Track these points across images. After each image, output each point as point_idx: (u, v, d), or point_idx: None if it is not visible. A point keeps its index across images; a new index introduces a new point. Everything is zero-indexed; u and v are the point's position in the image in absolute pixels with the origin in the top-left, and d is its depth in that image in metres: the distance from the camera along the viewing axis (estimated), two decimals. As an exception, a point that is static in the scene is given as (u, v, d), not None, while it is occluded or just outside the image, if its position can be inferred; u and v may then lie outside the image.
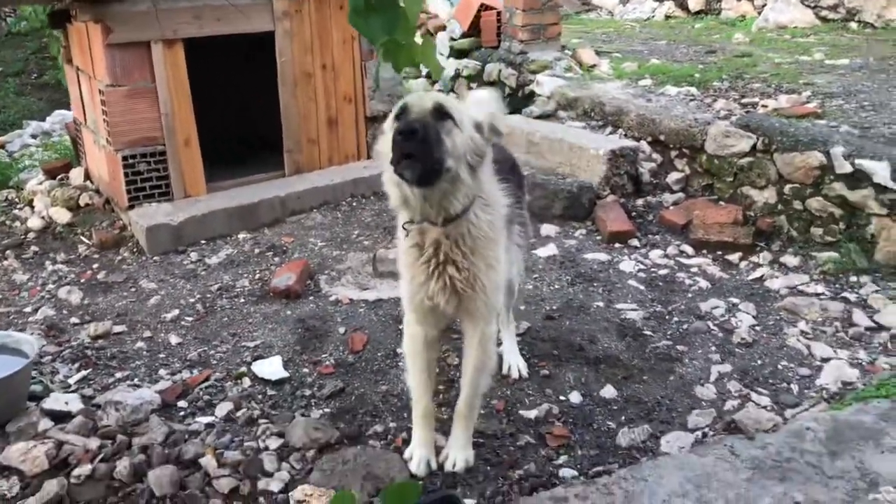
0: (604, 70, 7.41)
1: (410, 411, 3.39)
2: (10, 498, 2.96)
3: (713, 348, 3.99)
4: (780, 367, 3.81)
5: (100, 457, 3.12)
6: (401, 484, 2.82)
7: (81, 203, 5.97)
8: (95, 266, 5.18)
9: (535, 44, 7.40)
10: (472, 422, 3.15)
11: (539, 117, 6.67)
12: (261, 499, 2.95)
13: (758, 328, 4.18)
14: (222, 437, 3.28)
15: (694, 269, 4.89)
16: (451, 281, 2.79)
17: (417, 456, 3.08)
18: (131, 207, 5.46)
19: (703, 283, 4.69)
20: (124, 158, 5.38)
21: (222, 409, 3.50)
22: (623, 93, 6.60)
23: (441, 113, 2.55)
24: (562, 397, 3.60)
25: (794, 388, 3.64)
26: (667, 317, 4.33)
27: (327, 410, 3.51)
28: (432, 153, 2.46)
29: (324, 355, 3.98)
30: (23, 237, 5.66)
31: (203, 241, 5.43)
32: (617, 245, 5.24)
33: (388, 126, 2.62)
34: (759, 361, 3.87)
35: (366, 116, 6.20)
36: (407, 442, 3.18)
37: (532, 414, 3.45)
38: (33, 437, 3.26)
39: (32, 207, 6.03)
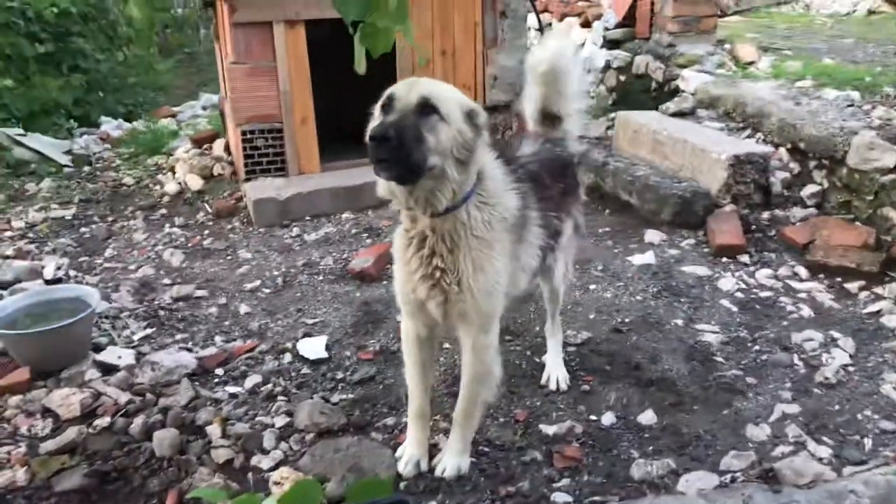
0: (762, 68, 6.77)
1: (432, 405, 3.33)
2: (41, 437, 3.22)
3: (788, 385, 3.54)
4: (859, 416, 3.30)
5: (122, 411, 3.32)
6: (370, 481, 2.77)
7: (214, 172, 6.36)
8: (206, 233, 5.51)
9: (686, 36, 6.91)
10: (470, 430, 3.01)
11: (675, 114, 6.22)
12: (249, 474, 3.00)
13: (850, 369, 3.65)
14: (238, 409, 3.37)
15: (802, 295, 4.35)
16: (435, 276, 2.67)
17: (407, 455, 2.99)
18: (247, 180, 5.75)
19: (807, 312, 4.17)
20: (243, 133, 5.67)
21: (251, 381, 3.59)
22: (772, 93, 6.00)
23: (426, 106, 2.43)
24: (592, 416, 3.34)
25: (867, 443, 3.13)
26: (748, 344, 3.89)
27: (350, 396, 3.50)
28: (408, 158, 2.36)
29: (371, 341, 3.97)
30: (158, 200, 6.12)
31: (308, 218, 5.61)
32: (724, 260, 4.78)
33: (377, 113, 2.53)
34: (837, 407, 3.37)
35: (485, 105, 6.09)
36: (410, 440, 3.10)
37: (552, 430, 3.23)
38: (79, 385, 3.53)
39: (174, 173, 6.51)
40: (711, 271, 4.65)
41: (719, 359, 3.77)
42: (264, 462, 3.03)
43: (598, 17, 8.23)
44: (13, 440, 3.22)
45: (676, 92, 6.77)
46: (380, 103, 2.51)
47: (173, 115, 8.97)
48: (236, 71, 5.52)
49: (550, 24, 9.40)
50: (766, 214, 5.18)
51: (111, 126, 8.34)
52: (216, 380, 3.64)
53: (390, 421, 3.30)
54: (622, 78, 7.71)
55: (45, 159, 6.81)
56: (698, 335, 3.98)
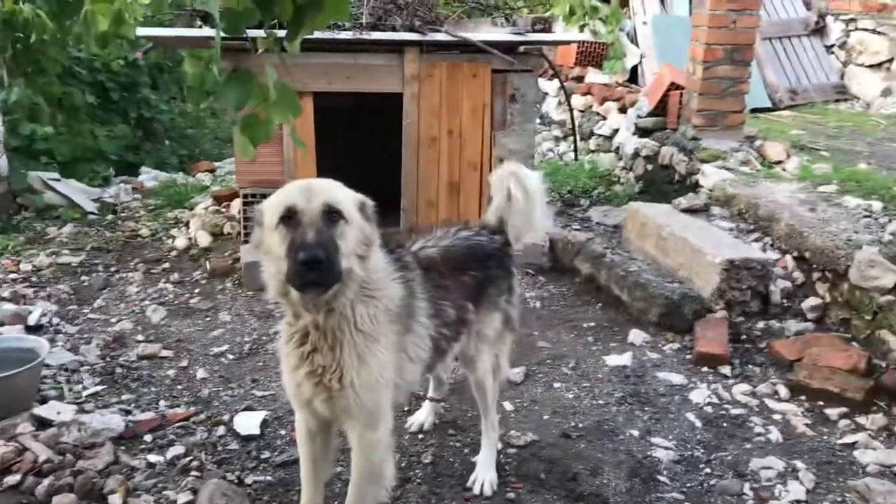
0: (789, 168, 6.53)
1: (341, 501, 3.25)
2: (-47, 489, 3.25)
3: (728, 517, 3.30)
4: (793, 562, 3.04)
5: (36, 470, 3.33)
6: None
7: (224, 231, 6.48)
8: (196, 291, 5.57)
9: (711, 131, 6.74)
10: None
11: (686, 210, 6.04)
12: (135, 551, 2.96)
13: (802, 506, 3.38)
14: (150, 480, 3.34)
15: (776, 416, 4.09)
16: (318, 374, 2.62)
17: (292, 551, 2.90)
18: (245, 242, 5.83)
19: (775, 436, 3.90)
20: (245, 196, 5.78)
21: (173, 451, 3.56)
22: (789, 197, 5.77)
23: (331, 213, 2.43)
24: (506, 528, 3.18)
25: None
26: (701, 465, 3.66)
27: (267, 478, 3.44)
28: (334, 271, 2.37)
29: (311, 421, 3.90)
30: (165, 254, 6.26)
31: (298, 285, 5.62)
32: (703, 369, 4.55)
33: (269, 223, 2.48)
34: (773, 548, 3.12)
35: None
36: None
37: (457, 538, 3.09)
38: (8, 438, 3.56)
39: (188, 228, 6.66)
40: (687, 380, 4.43)
41: (664, 478, 3.55)
42: (153, 540, 2.98)
43: (635, 103, 8.15)
44: (-73, 488, 3.26)
45: (697, 186, 6.60)
46: (278, 215, 2.44)
47: (212, 171, 9.22)
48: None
49: (591, 107, 9.37)
50: (761, 324, 4.93)
51: (148, 177, 8.63)
52: (142, 446, 3.63)
53: (297, 511, 3.21)
54: (649, 167, 7.58)
55: (73, 205, 7.09)
56: (650, 450, 3.77)
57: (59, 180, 7.38)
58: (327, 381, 2.61)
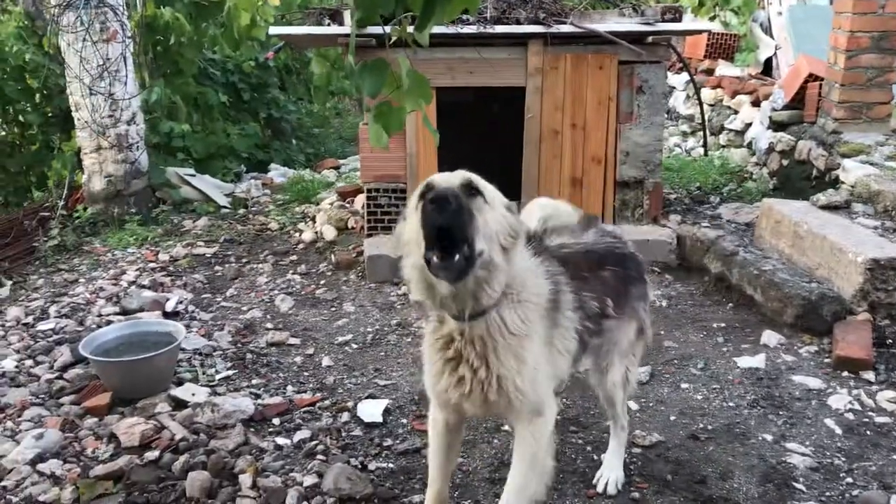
0: (944, 163, 6.07)
1: (466, 490, 3.25)
2: (101, 460, 3.45)
3: (872, 531, 3.08)
4: (949, 584, 2.80)
5: (172, 447, 3.48)
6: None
7: (349, 225, 6.61)
8: (322, 282, 5.72)
9: (854, 123, 6.33)
10: None
11: (825, 207, 5.70)
12: (264, 530, 3.04)
13: (959, 524, 3.11)
14: (277, 462, 3.42)
15: (928, 427, 3.79)
16: (465, 382, 2.57)
17: (418, 541, 2.90)
18: (369, 236, 5.94)
19: (927, 448, 3.62)
20: (368, 191, 5.88)
21: (300, 435, 3.65)
22: (943, 193, 5.36)
23: (471, 188, 2.37)
24: (630, 530, 3.08)
25: None
26: (842, 474, 3.43)
27: (390, 465, 3.47)
28: (465, 230, 2.24)
29: (432, 412, 3.92)
30: (293, 247, 6.46)
31: (419, 278, 5.67)
32: (844, 374, 4.27)
33: (412, 210, 2.43)
34: (924, 568, 2.88)
35: (615, 181, 5.92)
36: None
37: (580, 536, 3.01)
38: (148, 416, 3.75)
39: (314, 222, 6.84)
40: (825, 385, 4.17)
41: (800, 486, 3.35)
42: (280, 520, 3.06)
43: (769, 96, 7.77)
44: (77, 460, 3.47)
45: (837, 182, 6.22)
46: (417, 193, 2.41)
47: (336, 167, 9.46)
48: (367, 131, 5.74)
49: (722, 101, 9.01)
50: (909, 328, 4.59)
51: (276, 173, 8.95)
52: (270, 429, 3.74)
53: (417, 499, 3.22)
54: (784, 162, 7.21)
55: (207, 199, 7.43)
56: (785, 455, 3.56)
57: (194, 176, 7.75)
58: (479, 390, 2.55)
